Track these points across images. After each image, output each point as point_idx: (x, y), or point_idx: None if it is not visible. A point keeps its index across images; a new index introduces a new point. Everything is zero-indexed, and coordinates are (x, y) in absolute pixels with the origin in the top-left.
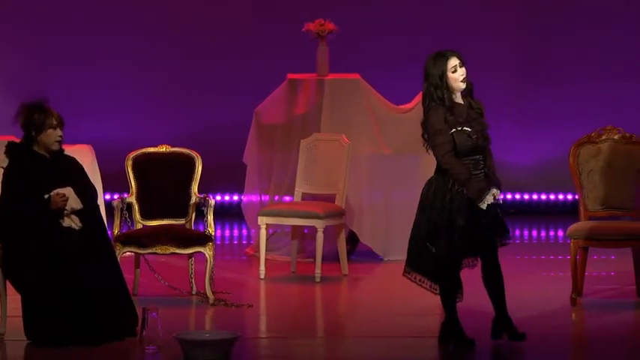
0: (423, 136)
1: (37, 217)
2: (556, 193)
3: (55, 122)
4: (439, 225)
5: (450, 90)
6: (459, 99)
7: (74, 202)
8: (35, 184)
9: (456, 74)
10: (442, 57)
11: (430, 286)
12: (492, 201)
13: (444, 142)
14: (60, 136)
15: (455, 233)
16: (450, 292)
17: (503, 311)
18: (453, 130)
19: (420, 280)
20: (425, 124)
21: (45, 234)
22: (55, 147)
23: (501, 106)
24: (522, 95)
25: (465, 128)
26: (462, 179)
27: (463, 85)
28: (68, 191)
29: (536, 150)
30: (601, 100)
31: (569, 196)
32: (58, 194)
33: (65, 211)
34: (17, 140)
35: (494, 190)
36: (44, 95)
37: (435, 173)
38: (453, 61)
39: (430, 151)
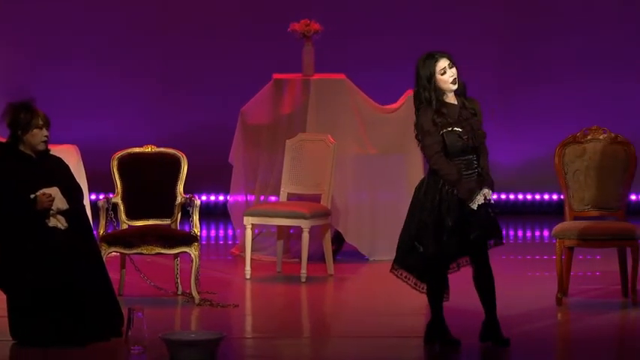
0: (416, 137)
1: (23, 217)
2: (541, 193)
3: (41, 122)
4: (428, 225)
5: (438, 91)
6: (451, 99)
7: (60, 202)
8: (21, 184)
9: (445, 76)
10: (431, 58)
11: (415, 284)
12: (483, 201)
13: (433, 144)
14: (46, 136)
15: (444, 234)
16: (437, 291)
17: (492, 314)
18: (443, 130)
19: (405, 277)
20: (416, 126)
21: (30, 234)
22: (41, 147)
23: (486, 106)
24: (508, 96)
25: (455, 129)
26: (452, 180)
27: (453, 87)
28: (54, 191)
29: (521, 150)
30: (586, 101)
31: (555, 196)
32: (44, 194)
33: (51, 211)
34: (3, 140)
35: (485, 190)
36: (31, 95)
37: (427, 174)
38: (442, 63)
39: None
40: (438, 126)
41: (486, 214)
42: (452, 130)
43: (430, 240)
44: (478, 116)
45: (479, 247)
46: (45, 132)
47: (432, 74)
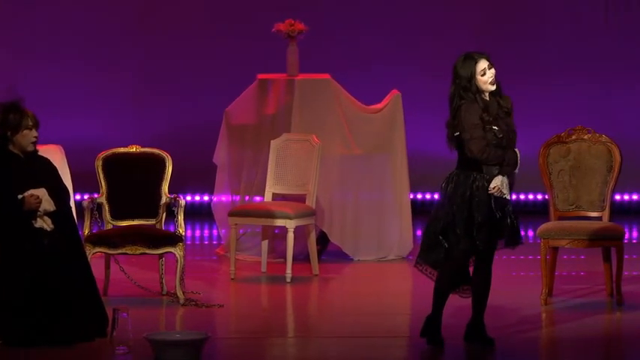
0: (447, 135)
1: (9, 217)
2: (526, 193)
3: (30, 123)
4: (456, 221)
5: (479, 91)
6: (487, 96)
7: (47, 203)
8: (9, 185)
9: (485, 77)
10: (471, 60)
11: None
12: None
13: (482, 136)
14: (35, 137)
15: (474, 229)
16: (449, 286)
17: (480, 315)
18: (487, 126)
19: (430, 273)
20: (455, 122)
21: (17, 234)
22: (31, 148)
23: None
24: None
25: (494, 127)
26: (500, 154)
27: (492, 87)
28: (42, 192)
29: None
30: (571, 101)
31: (539, 196)
32: (32, 195)
33: (38, 213)
34: None
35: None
36: (19, 95)
37: (456, 168)
38: (482, 64)
39: (454, 149)
40: (483, 121)
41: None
42: (491, 128)
43: (459, 236)
44: (511, 115)
45: (488, 250)
46: (34, 133)
47: (473, 75)
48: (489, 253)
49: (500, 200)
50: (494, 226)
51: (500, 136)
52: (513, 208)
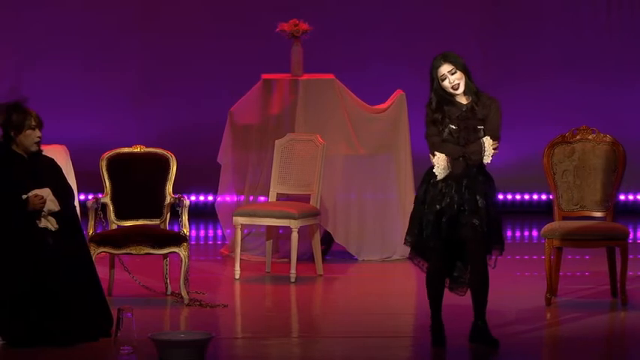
0: None
1: (13, 217)
2: (530, 193)
3: (34, 123)
4: (415, 216)
5: (440, 92)
6: (460, 98)
7: (52, 203)
8: (13, 184)
9: (445, 83)
10: (437, 62)
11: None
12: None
13: (435, 134)
14: (39, 137)
15: (423, 225)
16: (435, 281)
17: (482, 316)
18: (441, 127)
19: (421, 265)
20: None
21: (21, 234)
22: (34, 148)
23: None
24: (495, 96)
25: (451, 126)
26: (457, 150)
27: (456, 92)
28: (46, 192)
29: (510, 150)
30: (575, 101)
31: (544, 196)
32: (36, 196)
33: (42, 213)
34: None
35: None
36: (23, 95)
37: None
38: (443, 69)
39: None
40: (437, 122)
41: (492, 217)
42: (446, 126)
43: (415, 231)
44: (492, 117)
45: (475, 250)
46: (38, 133)
47: (434, 77)
48: (477, 250)
49: (457, 198)
50: (447, 224)
51: (457, 135)
52: (486, 209)
